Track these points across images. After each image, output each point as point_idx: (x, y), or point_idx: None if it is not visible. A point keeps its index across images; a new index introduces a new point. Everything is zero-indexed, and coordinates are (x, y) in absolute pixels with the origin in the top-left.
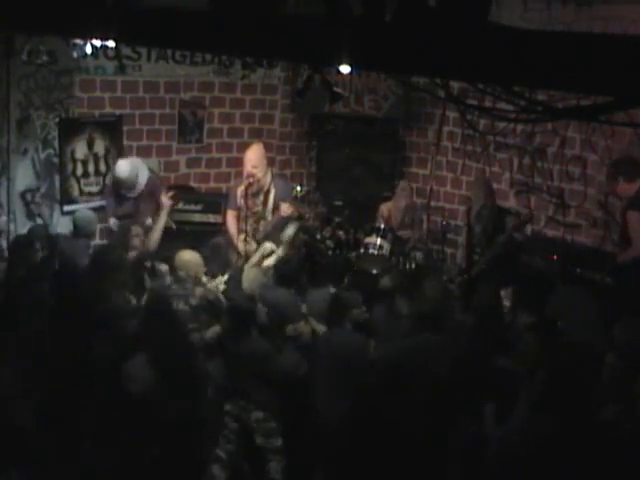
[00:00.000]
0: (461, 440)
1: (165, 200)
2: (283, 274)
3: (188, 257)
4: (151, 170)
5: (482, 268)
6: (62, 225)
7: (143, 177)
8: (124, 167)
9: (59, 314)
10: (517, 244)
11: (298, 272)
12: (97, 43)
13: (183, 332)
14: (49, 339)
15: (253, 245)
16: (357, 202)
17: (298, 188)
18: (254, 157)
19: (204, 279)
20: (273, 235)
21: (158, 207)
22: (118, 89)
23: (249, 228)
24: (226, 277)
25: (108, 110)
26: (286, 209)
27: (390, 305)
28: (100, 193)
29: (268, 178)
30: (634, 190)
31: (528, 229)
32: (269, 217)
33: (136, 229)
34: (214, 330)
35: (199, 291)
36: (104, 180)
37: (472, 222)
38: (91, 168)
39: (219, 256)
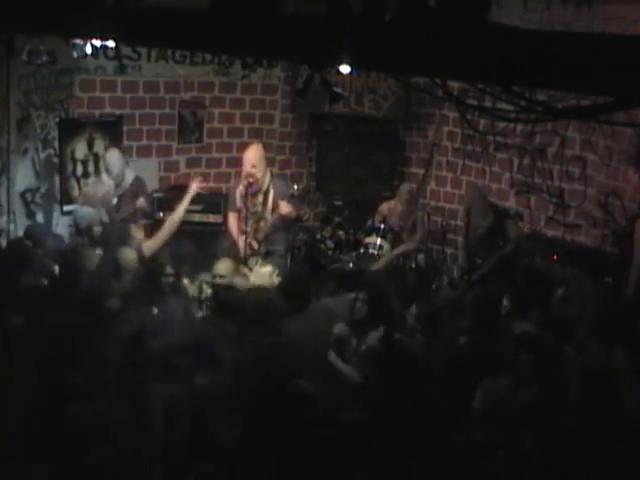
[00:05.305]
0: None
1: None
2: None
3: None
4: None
5: (484, 273)
6: (62, 225)
7: (130, 174)
8: (117, 155)
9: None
10: (522, 252)
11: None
12: (97, 43)
13: None
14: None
15: (255, 245)
16: (357, 202)
17: (295, 187)
18: (253, 157)
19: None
20: (273, 235)
21: (135, 211)
22: (118, 89)
23: (249, 229)
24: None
25: (108, 110)
26: (284, 207)
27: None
28: None
29: (267, 178)
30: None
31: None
32: (268, 217)
33: (135, 230)
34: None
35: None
36: None
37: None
38: (91, 168)
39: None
